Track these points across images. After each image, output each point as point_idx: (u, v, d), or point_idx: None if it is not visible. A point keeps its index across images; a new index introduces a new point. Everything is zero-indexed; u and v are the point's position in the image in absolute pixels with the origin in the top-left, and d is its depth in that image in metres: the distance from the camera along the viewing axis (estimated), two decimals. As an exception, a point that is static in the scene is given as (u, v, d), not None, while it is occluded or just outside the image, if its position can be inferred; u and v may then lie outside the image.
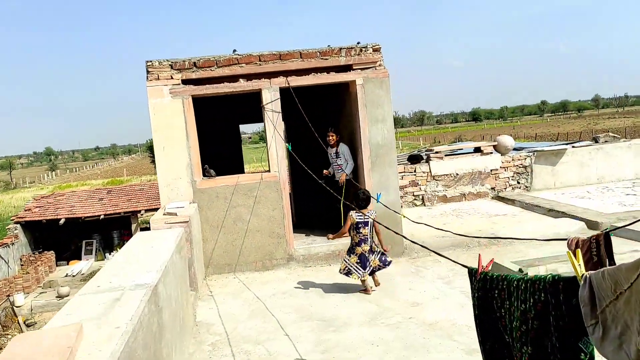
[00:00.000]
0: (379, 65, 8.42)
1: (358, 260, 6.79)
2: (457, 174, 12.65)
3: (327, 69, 8.36)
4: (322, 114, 10.63)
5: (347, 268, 6.88)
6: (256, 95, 9.00)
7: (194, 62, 8.04)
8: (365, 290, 6.94)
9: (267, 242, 8.25)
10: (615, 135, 13.36)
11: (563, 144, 13.92)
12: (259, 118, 12.24)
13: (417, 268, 7.86)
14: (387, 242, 8.29)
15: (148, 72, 7.98)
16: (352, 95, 8.59)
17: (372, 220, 6.81)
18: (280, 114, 8.18)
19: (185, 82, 8.08)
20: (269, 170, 8.38)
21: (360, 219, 6.77)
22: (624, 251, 7.32)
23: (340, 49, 8.31)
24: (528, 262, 7.44)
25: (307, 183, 11.46)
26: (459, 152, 13.25)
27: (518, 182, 12.90)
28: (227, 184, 8.14)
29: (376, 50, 8.42)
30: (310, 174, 6.75)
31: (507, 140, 12.84)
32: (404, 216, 5.29)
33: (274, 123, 8.15)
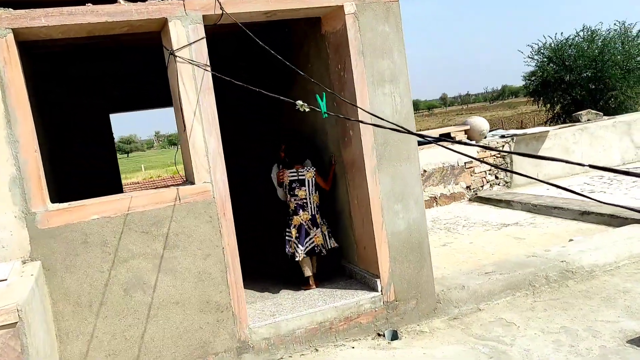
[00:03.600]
0: (379, -19, 4.70)
1: (297, 234, 5.13)
2: (424, 171, 9.33)
3: (289, -13, 4.47)
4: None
5: (292, 247, 5.14)
6: (150, 47, 5.10)
7: (16, -38, 3.73)
8: (308, 284, 5.15)
9: (197, 323, 4.17)
10: (598, 112, 10.98)
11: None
12: (149, 101, 7.96)
13: (484, 342, 4.26)
14: (410, 292, 4.68)
15: None
16: (334, 36, 4.79)
17: (311, 178, 5.19)
18: (209, 69, 4.14)
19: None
20: (190, 181, 4.31)
21: (293, 176, 5.21)
22: None
23: (311, -52, 4.47)
24: None
25: (247, 195, 7.46)
26: (421, 141, 9.96)
27: (496, 177, 9.91)
28: (106, 213, 3.92)
29: (369, -44, 4.69)
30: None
31: (481, 123, 9.81)
32: None
33: (197, 86, 4.09)
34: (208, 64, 4.11)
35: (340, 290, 4.90)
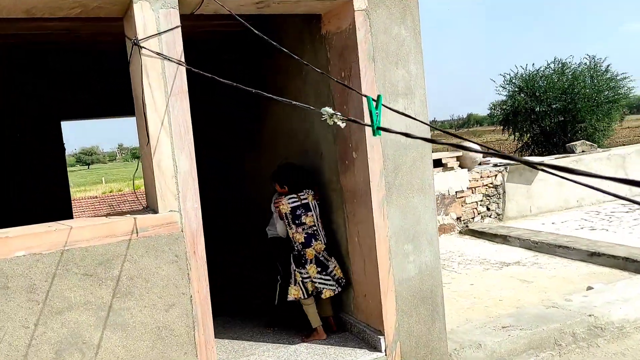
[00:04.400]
0: (394, -25, 3.91)
1: (318, 268, 4.21)
2: (413, 200, 8.51)
3: (286, -26, 3.64)
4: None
5: (311, 288, 4.21)
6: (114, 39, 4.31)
7: None
8: (316, 333, 4.22)
9: (152, 394, 3.20)
10: (592, 144, 10.44)
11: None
12: (104, 109, 6.99)
13: None
14: (418, 352, 3.82)
15: None
16: (338, 38, 3.96)
17: (314, 203, 4.32)
18: (184, 62, 3.24)
19: None
20: (151, 209, 3.36)
21: (295, 202, 4.29)
22: None
23: None
24: None
25: (229, 190, 6.63)
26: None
27: (488, 209, 9.20)
28: (36, 249, 2.94)
29: (383, -55, 3.90)
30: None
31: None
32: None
33: (166, 88, 3.18)
34: (182, 59, 3.21)
35: (334, 348, 3.99)
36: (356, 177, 3.91)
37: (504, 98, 25.29)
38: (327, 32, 4.09)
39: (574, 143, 10.35)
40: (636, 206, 9.50)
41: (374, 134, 1.72)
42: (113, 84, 6.70)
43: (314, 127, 4.47)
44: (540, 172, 9.34)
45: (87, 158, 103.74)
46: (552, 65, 22.05)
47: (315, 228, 4.27)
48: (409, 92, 3.85)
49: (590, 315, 4.58)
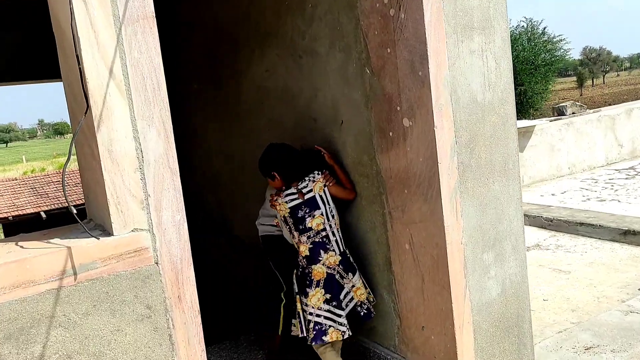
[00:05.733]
0: None
1: (328, 295, 2.83)
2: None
3: None
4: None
5: (316, 325, 2.79)
6: None
7: None
8: None
9: None
10: (582, 104, 9.58)
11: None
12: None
13: None
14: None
15: None
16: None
17: (322, 193, 2.90)
18: (148, -32, 1.81)
19: None
20: (99, 227, 1.93)
21: (295, 200, 2.89)
22: None
23: None
24: None
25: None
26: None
27: (479, 181, 8.13)
28: None
29: None
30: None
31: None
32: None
33: (116, 10, 1.74)
34: (144, -44, 1.77)
35: (382, 407, 2.75)
36: (409, 155, 2.61)
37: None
38: (355, -64, 2.71)
39: (564, 104, 9.47)
40: (633, 172, 8.74)
41: None
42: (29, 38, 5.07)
43: (328, 83, 3.11)
44: (532, 137, 8.38)
45: (5, 136, 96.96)
46: (491, 29, 21.89)
47: (325, 233, 2.89)
48: (487, 24, 2.56)
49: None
